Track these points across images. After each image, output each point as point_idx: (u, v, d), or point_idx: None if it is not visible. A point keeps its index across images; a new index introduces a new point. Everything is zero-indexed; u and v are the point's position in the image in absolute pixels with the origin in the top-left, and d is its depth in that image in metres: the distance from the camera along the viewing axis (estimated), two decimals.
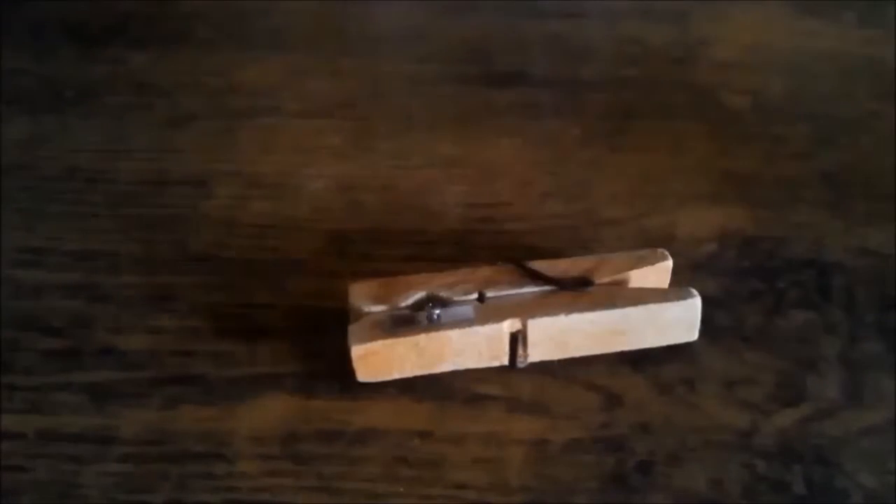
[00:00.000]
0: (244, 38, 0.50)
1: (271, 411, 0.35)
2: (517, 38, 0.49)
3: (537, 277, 0.35)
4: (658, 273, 0.36)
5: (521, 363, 0.35)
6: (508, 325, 0.34)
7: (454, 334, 0.34)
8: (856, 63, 0.47)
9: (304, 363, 0.36)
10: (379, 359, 0.34)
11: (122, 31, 0.51)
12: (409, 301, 0.35)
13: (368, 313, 0.35)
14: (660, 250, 0.37)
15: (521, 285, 0.35)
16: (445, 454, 0.34)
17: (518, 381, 0.35)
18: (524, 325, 0.34)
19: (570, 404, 0.34)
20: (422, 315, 0.34)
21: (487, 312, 0.34)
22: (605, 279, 0.35)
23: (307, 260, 0.40)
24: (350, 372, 0.34)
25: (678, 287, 0.35)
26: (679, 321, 0.35)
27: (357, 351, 0.34)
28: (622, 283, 0.36)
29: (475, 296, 0.35)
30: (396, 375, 0.35)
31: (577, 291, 0.35)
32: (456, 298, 0.35)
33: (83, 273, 0.39)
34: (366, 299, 0.35)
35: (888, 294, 0.38)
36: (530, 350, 0.35)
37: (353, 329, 0.34)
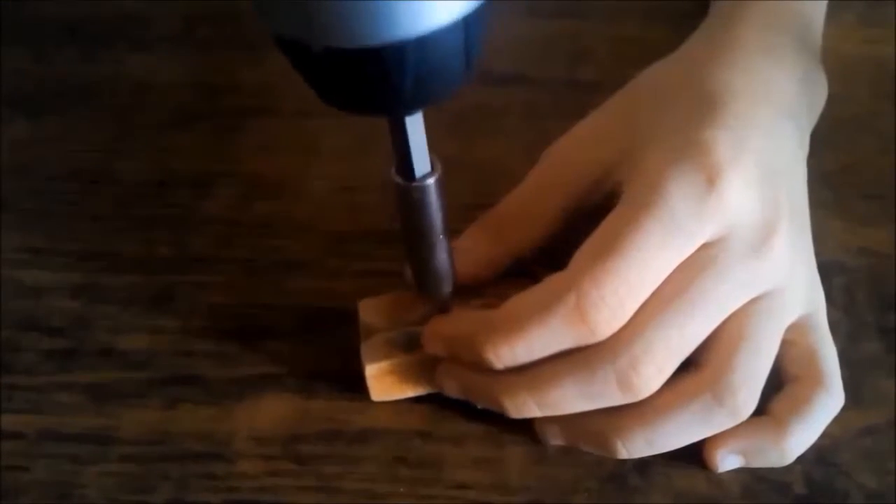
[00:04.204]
0: (244, 38, 0.50)
1: (271, 411, 0.35)
2: (517, 38, 0.49)
3: None
4: None
5: None
6: None
7: None
8: (856, 63, 0.47)
9: (304, 363, 0.36)
10: (394, 378, 0.34)
11: (122, 31, 0.51)
12: (421, 317, 0.34)
13: (380, 331, 0.34)
14: None
15: None
16: (445, 454, 0.34)
17: None
18: None
19: None
20: None
21: None
22: None
23: (307, 260, 0.40)
24: (350, 373, 0.34)
25: None
26: None
27: (371, 370, 0.33)
28: None
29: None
30: (411, 394, 0.34)
31: None
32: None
33: (83, 273, 0.39)
34: (377, 316, 0.34)
35: (888, 294, 0.38)
36: None
37: (366, 347, 0.34)
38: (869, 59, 0.48)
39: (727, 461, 0.32)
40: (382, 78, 0.24)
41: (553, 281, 0.30)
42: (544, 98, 0.46)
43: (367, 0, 0.22)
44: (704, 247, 0.30)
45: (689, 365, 0.30)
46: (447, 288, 0.32)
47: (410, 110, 0.27)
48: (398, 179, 0.29)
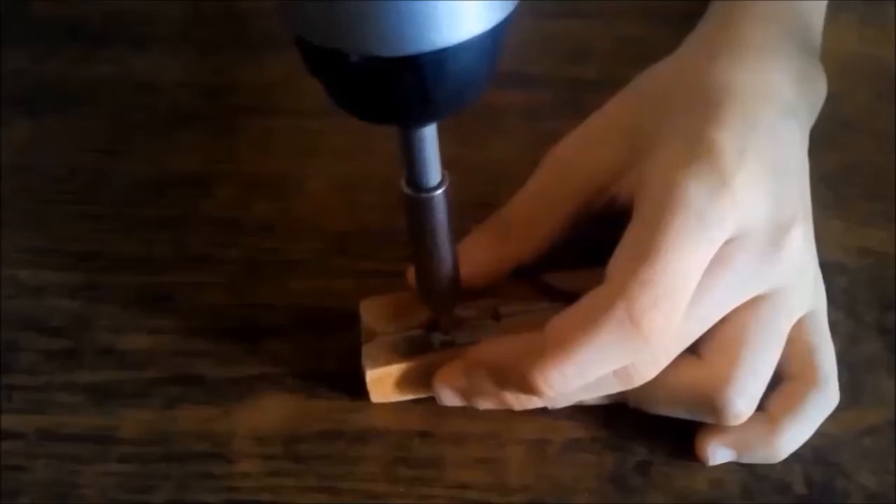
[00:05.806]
0: (244, 38, 0.50)
1: (271, 411, 0.35)
2: (517, 38, 0.49)
3: (554, 293, 0.34)
4: None
5: None
6: None
7: None
8: (855, 63, 0.47)
9: (304, 363, 0.36)
10: (394, 382, 0.34)
11: (122, 31, 0.51)
12: (423, 319, 0.34)
13: (381, 333, 0.34)
14: None
15: (538, 300, 0.34)
16: (445, 454, 0.34)
17: None
18: None
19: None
20: (436, 336, 0.33)
21: (503, 332, 0.33)
22: None
23: (307, 260, 0.40)
24: (350, 373, 0.34)
25: None
26: None
27: (372, 375, 0.33)
28: None
29: (490, 314, 0.34)
30: (411, 397, 0.34)
31: None
32: (470, 317, 0.34)
33: (83, 273, 0.39)
34: (378, 318, 0.34)
35: (888, 294, 0.38)
36: None
37: (367, 351, 0.34)
38: (868, 59, 0.48)
39: (718, 454, 0.32)
40: (417, 86, 0.24)
41: (594, 295, 0.29)
42: (545, 97, 0.46)
43: (410, 7, 0.22)
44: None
45: (691, 350, 0.30)
46: (451, 294, 0.32)
47: (437, 118, 0.26)
48: (409, 190, 0.28)
